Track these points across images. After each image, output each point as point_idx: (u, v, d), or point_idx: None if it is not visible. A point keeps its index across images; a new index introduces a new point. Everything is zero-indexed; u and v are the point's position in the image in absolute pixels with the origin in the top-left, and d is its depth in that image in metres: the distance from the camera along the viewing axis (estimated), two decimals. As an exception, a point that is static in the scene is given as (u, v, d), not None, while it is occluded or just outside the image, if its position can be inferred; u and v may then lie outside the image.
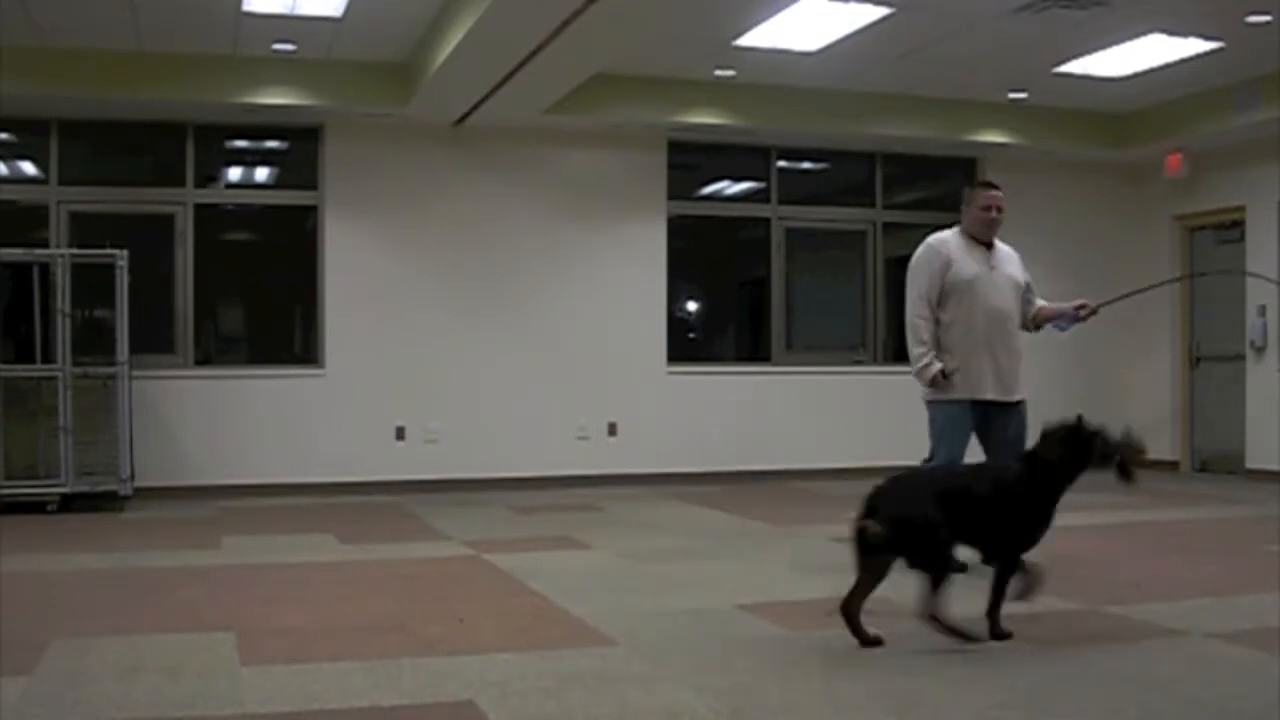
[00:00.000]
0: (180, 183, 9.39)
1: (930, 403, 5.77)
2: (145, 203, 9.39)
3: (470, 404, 9.77)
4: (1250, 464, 10.21)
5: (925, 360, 5.67)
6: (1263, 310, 10.18)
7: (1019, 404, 5.77)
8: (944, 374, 5.63)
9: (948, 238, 5.85)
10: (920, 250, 5.87)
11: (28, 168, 9.36)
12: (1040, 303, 5.98)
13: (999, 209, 5.78)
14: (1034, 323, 5.97)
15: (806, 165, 11.12)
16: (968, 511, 4.24)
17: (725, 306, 11.68)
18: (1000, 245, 5.89)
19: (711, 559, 6.39)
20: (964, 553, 4.50)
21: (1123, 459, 4.37)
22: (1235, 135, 9.91)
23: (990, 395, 5.69)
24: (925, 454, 5.79)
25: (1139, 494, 9.09)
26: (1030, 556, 4.36)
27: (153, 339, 9.13)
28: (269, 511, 8.40)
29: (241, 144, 9.86)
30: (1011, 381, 5.74)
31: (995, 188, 5.88)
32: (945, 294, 5.70)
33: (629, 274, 10.19)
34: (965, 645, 4.15)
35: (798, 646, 4.30)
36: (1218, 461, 10.75)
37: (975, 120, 10.34)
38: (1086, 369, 10.82)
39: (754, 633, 4.57)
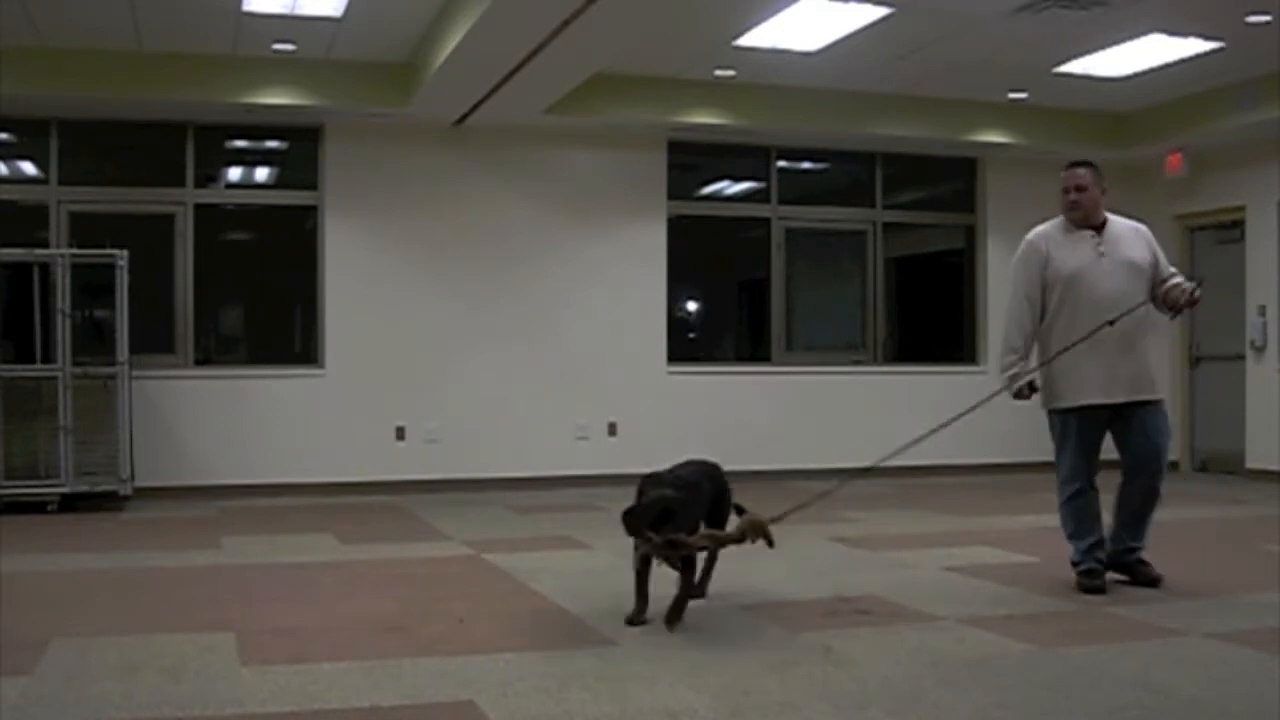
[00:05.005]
0: (180, 183, 9.39)
1: (1048, 412, 5.40)
2: (145, 203, 9.38)
3: (470, 404, 9.77)
4: (1250, 464, 10.22)
5: (1011, 370, 5.28)
6: (1263, 310, 10.18)
7: (1155, 403, 5.28)
8: (1032, 387, 5.25)
9: (1047, 230, 5.42)
10: (1020, 247, 5.45)
11: (28, 168, 9.36)
12: (1174, 280, 5.36)
13: (1078, 188, 5.32)
14: (1164, 303, 5.35)
15: (806, 165, 11.12)
16: None
17: (725, 306, 11.68)
18: (1117, 224, 5.38)
19: (711, 559, 6.37)
20: None
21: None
22: (1235, 135, 9.91)
23: (1100, 399, 5.21)
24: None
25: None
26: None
27: (153, 339, 9.12)
28: (269, 511, 8.40)
29: (241, 144, 9.86)
30: (1134, 378, 5.22)
31: (1079, 165, 5.39)
32: (1047, 292, 5.30)
33: (629, 274, 10.19)
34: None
35: (798, 646, 4.30)
36: (1218, 461, 10.75)
37: (975, 120, 10.34)
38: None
39: (754, 633, 4.57)
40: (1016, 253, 5.47)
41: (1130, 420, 5.28)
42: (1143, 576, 5.35)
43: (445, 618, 4.81)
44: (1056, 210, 5.51)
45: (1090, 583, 5.21)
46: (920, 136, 10.31)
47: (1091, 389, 5.23)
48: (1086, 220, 5.37)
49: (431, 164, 9.74)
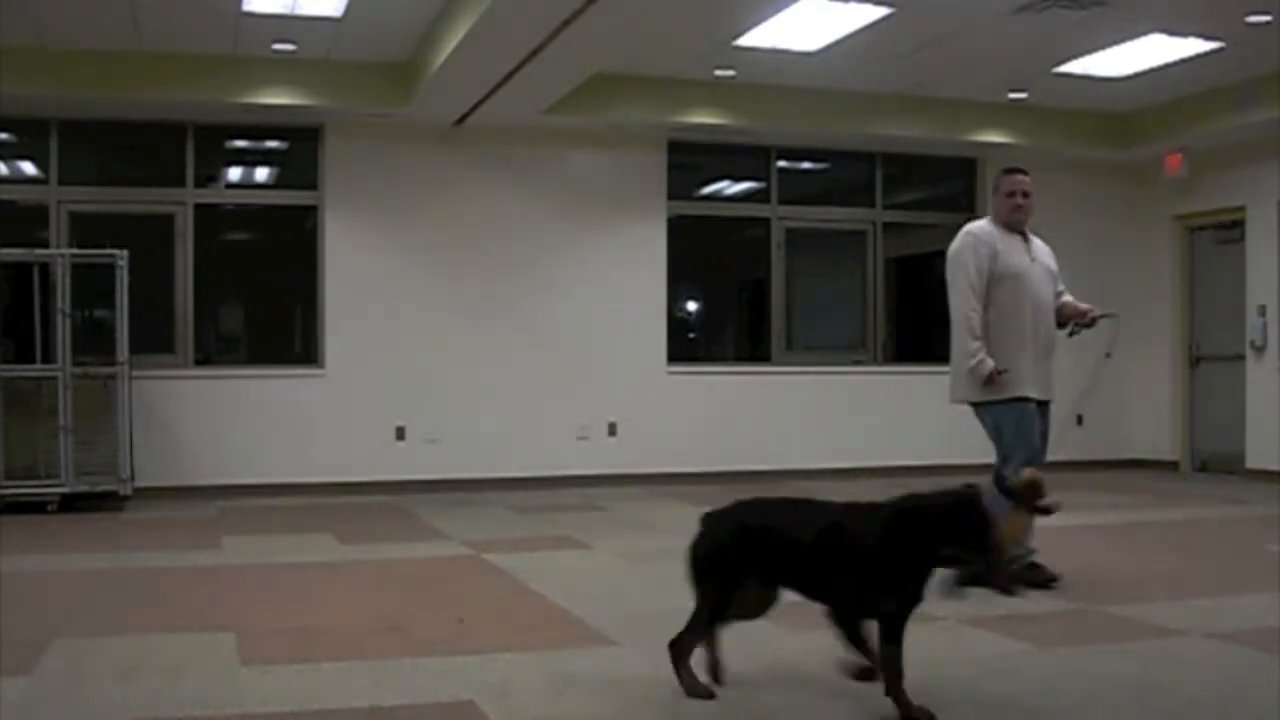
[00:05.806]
0: (180, 183, 9.39)
1: (992, 405, 5.36)
2: (145, 203, 9.38)
3: (470, 404, 9.76)
4: (1250, 464, 10.21)
5: (980, 356, 5.27)
6: (1263, 310, 10.18)
7: (1049, 404, 5.50)
8: (998, 371, 5.24)
9: (986, 227, 5.50)
10: (961, 240, 5.47)
11: (28, 168, 9.36)
12: (1066, 298, 5.63)
13: (1025, 194, 5.46)
14: (1064, 317, 5.58)
15: (806, 165, 11.12)
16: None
17: (725, 306, 11.68)
18: (1033, 237, 5.58)
19: (711, 559, 6.37)
20: None
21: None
22: (1235, 135, 9.91)
23: (1033, 393, 5.38)
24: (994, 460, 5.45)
25: (1140, 494, 9.12)
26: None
27: (153, 339, 9.12)
28: (269, 511, 8.40)
29: (241, 144, 9.86)
30: (1049, 381, 5.46)
31: (1022, 172, 5.54)
32: (991, 286, 5.35)
33: (629, 274, 10.19)
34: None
35: (798, 646, 4.30)
36: (1218, 461, 10.75)
37: (975, 120, 10.33)
38: (1085, 368, 10.81)
39: (754, 633, 4.56)
40: (958, 244, 5.47)
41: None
42: (1041, 579, 5.36)
43: (445, 618, 4.81)
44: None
45: (1038, 576, 5.29)
46: (920, 136, 10.31)
47: (1027, 384, 5.37)
48: (1022, 226, 5.53)
49: (431, 164, 9.74)
